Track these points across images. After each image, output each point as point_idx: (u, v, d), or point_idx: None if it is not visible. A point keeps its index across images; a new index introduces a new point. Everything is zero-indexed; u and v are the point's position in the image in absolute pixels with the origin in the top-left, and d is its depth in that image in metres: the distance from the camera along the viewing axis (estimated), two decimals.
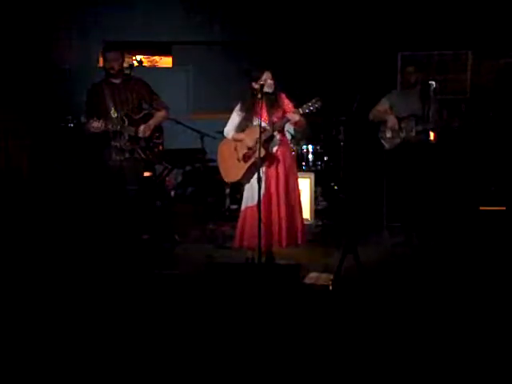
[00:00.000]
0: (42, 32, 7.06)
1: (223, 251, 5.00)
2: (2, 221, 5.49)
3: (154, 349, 3.04)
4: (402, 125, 5.31)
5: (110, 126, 4.62)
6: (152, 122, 4.81)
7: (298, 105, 4.46)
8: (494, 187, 6.15)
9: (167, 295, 3.86)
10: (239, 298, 3.67)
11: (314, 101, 4.22)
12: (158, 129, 4.91)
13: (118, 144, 4.70)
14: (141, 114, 4.82)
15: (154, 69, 8.97)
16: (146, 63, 9.33)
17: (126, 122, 4.72)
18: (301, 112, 4.23)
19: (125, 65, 7.18)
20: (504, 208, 5.59)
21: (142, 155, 4.78)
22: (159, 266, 4.50)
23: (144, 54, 9.18)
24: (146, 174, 5.72)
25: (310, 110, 4.23)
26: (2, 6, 6.47)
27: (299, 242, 4.47)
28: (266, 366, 2.86)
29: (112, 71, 4.75)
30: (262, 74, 4.33)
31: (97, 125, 4.56)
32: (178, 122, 5.93)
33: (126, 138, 4.71)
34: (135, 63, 8.83)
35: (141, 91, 4.85)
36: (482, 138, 6.73)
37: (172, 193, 6.90)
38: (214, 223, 5.90)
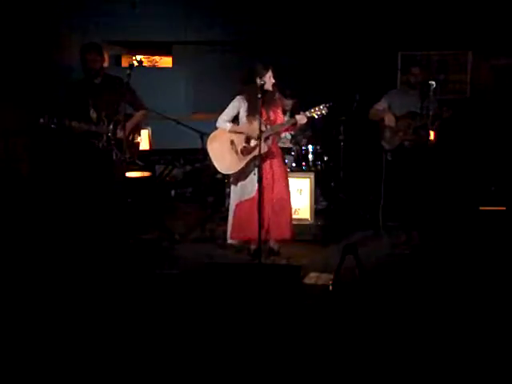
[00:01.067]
0: (42, 32, 7.06)
1: (223, 251, 5.00)
2: (2, 220, 5.49)
3: (153, 349, 3.04)
4: (400, 123, 5.31)
5: (88, 127, 4.65)
6: (129, 124, 4.79)
7: (291, 100, 4.51)
8: (494, 187, 6.15)
9: (167, 295, 3.86)
10: (239, 299, 3.67)
11: (321, 107, 4.30)
12: (136, 129, 4.93)
13: (98, 145, 4.73)
14: (120, 115, 4.79)
15: (153, 69, 8.98)
16: (145, 63, 9.34)
17: (106, 123, 4.74)
18: (308, 115, 4.33)
19: (125, 65, 7.21)
20: (504, 208, 5.59)
21: (119, 155, 4.78)
22: (159, 266, 4.50)
23: (144, 54, 9.19)
24: (145, 173, 5.73)
25: (317, 115, 4.32)
26: (2, 6, 6.47)
27: (288, 237, 4.55)
28: (266, 366, 2.86)
29: (92, 72, 4.76)
30: (267, 70, 4.39)
31: (76, 125, 4.61)
32: (178, 122, 5.93)
33: (105, 138, 4.74)
34: (135, 63, 8.83)
35: (121, 91, 4.77)
36: (482, 138, 6.74)
37: (172, 193, 6.91)
38: (213, 223, 5.89)
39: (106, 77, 4.88)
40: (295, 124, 4.41)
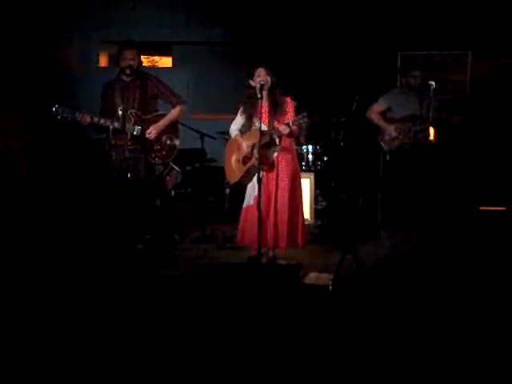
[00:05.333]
0: (42, 32, 7.06)
1: (223, 251, 5.00)
2: (2, 221, 5.49)
3: (154, 349, 3.03)
4: (401, 126, 5.30)
5: (105, 123, 4.56)
6: (161, 123, 4.74)
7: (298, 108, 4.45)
8: (494, 187, 6.15)
9: (167, 295, 3.86)
10: (239, 298, 3.67)
11: (301, 116, 4.18)
12: (171, 129, 4.82)
13: (119, 142, 4.66)
14: (152, 115, 4.75)
15: (154, 69, 8.96)
16: (145, 63, 9.31)
17: (132, 121, 4.66)
18: (290, 125, 4.21)
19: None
20: (504, 208, 5.59)
21: (149, 158, 4.74)
22: (159, 266, 4.50)
23: (144, 54, 9.17)
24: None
25: (299, 123, 4.22)
26: (3, 6, 6.48)
27: (299, 243, 4.50)
28: (266, 366, 2.86)
29: (128, 70, 4.69)
30: (255, 70, 4.28)
31: (83, 118, 4.54)
32: (178, 122, 5.93)
33: (129, 137, 4.66)
34: None
35: (153, 89, 4.78)
36: (482, 138, 6.73)
37: (172, 193, 6.90)
38: (213, 223, 5.90)
39: (137, 74, 4.77)
40: (281, 134, 4.26)
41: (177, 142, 4.88)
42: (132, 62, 4.70)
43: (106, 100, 4.76)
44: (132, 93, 4.73)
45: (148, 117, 4.74)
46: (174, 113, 4.82)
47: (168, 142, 4.82)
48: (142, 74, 4.83)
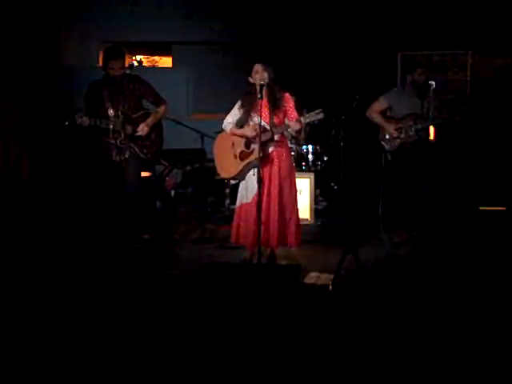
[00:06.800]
0: (42, 32, 7.06)
1: (223, 251, 5.00)
2: (2, 221, 5.48)
3: (154, 349, 3.03)
4: (402, 125, 5.29)
5: (102, 124, 4.65)
6: (150, 121, 4.86)
7: (298, 105, 4.44)
8: (494, 187, 6.15)
9: (167, 295, 3.86)
10: (239, 298, 3.66)
11: (317, 112, 4.14)
12: (157, 126, 4.95)
13: (116, 142, 4.73)
14: (139, 113, 4.85)
15: (153, 69, 8.97)
16: (145, 63, 9.33)
17: (123, 121, 4.74)
18: (302, 121, 4.18)
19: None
20: (504, 208, 5.59)
21: (141, 154, 4.82)
22: (159, 266, 4.50)
23: (144, 54, 9.18)
24: (145, 174, 5.74)
25: (312, 120, 4.21)
26: (2, 6, 6.48)
27: (291, 244, 4.45)
28: (266, 366, 2.86)
29: (116, 77, 4.79)
30: (253, 66, 4.26)
31: (84, 120, 4.62)
32: (178, 122, 5.93)
33: (122, 136, 4.74)
34: (135, 63, 8.83)
35: (139, 90, 4.88)
36: (482, 138, 6.74)
37: (172, 193, 6.91)
38: (213, 223, 5.90)
39: (124, 75, 4.87)
40: (290, 129, 4.26)
41: (162, 137, 5.04)
42: (120, 71, 4.79)
43: (92, 101, 4.82)
44: (121, 93, 4.81)
45: (137, 115, 4.85)
46: (160, 111, 4.96)
47: (156, 138, 4.97)
48: (127, 74, 4.94)
